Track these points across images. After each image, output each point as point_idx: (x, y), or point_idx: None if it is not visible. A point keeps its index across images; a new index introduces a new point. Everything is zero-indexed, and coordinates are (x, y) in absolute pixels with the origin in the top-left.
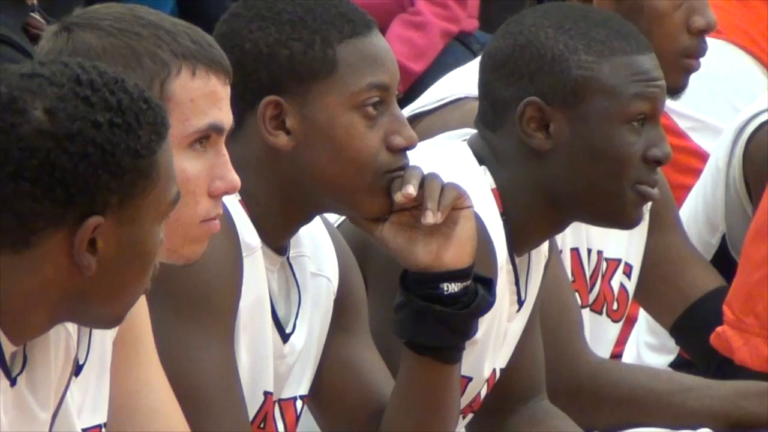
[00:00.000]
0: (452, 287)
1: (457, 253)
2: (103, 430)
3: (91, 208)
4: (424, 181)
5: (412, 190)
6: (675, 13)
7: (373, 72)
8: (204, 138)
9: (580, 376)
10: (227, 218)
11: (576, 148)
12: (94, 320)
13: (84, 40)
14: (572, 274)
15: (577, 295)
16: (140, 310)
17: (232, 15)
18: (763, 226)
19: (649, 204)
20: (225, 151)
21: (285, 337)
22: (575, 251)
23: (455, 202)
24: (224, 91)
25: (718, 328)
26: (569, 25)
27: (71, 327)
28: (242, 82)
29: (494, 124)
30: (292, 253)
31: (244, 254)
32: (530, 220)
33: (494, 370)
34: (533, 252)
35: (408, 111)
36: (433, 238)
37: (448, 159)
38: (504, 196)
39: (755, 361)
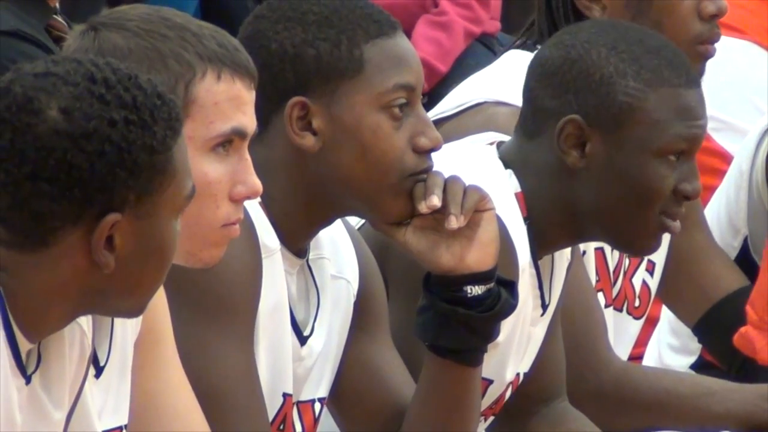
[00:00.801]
0: (476, 290)
1: (480, 256)
2: (125, 431)
3: (108, 206)
4: (447, 185)
5: (436, 201)
6: (685, 1)
7: (399, 72)
8: (227, 142)
9: (604, 380)
10: (247, 220)
11: (608, 173)
12: (115, 311)
13: (110, 40)
14: (597, 273)
15: (601, 294)
16: (161, 311)
17: (257, 17)
18: None
19: None
20: (248, 156)
21: (303, 340)
22: (600, 251)
23: (478, 204)
24: (249, 96)
25: (741, 329)
26: (623, 47)
27: (86, 325)
28: (268, 82)
29: (532, 132)
30: (311, 255)
31: (263, 256)
32: (552, 227)
33: (518, 374)
34: (556, 255)
35: (429, 116)
36: (456, 240)
37: (471, 162)
38: (528, 201)
39: None
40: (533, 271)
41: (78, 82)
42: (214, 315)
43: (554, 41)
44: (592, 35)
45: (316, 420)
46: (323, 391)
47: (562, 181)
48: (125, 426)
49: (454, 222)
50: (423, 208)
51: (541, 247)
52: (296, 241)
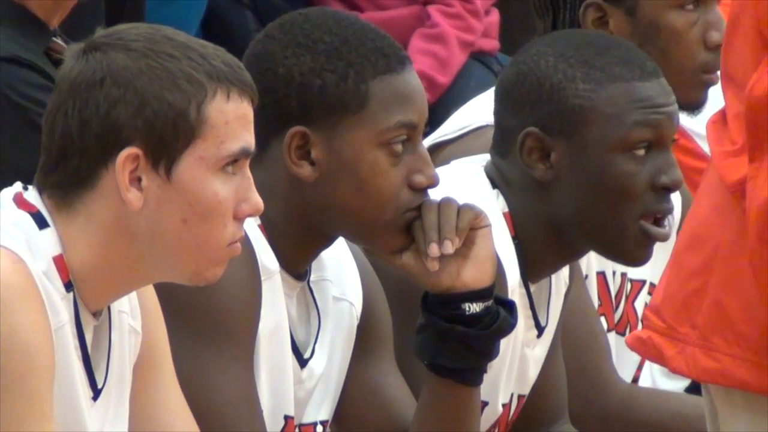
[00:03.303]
0: (474, 307)
1: (477, 273)
2: None
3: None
4: (440, 208)
5: (437, 251)
6: (691, 30)
7: (403, 110)
8: (234, 161)
9: (608, 403)
10: (246, 242)
11: (576, 179)
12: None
13: (119, 61)
14: (599, 298)
15: (603, 319)
16: (160, 334)
17: (267, 36)
18: (701, 233)
19: (677, 221)
20: (249, 174)
21: (303, 363)
22: (601, 275)
23: (472, 222)
24: (251, 114)
25: (641, 333)
26: (571, 53)
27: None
28: (270, 106)
29: (503, 152)
30: (313, 277)
31: (262, 278)
32: (541, 245)
33: (513, 395)
34: (553, 279)
35: (430, 140)
36: (453, 259)
37: (461, 181)
38: (515, 220)
39: (693, 371)
40: (523, 291)
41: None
42: (214, 337)
43: (510, 61)
44: (542, 47)
45: None
46: (325, 414)
47: (539, 196)
48: None
49: (449, 247)
50: (429, 263)
51: (532, 267)
52: (295, 264)
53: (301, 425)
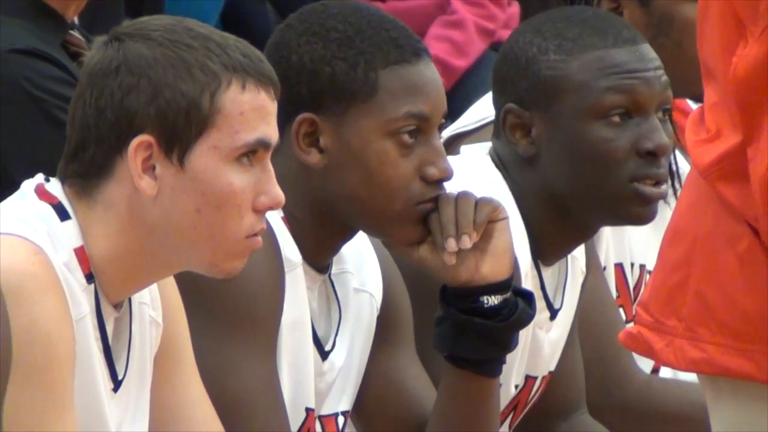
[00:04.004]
0: (492, 300)
1: (495, 266)
2: None
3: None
4: (457, 202)
5: (454, 246)
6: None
7: (413, 101)
8: (251, 152)
9: (628, 394)
10: (269, 233)
11: (557, 150)
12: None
13: (135, 50)
14: (617, 289)
15: (622, 310)
16: (181, 325)
17: (286, 26)
18: (681, 227)
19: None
20: (270, 167)
21: (324, 355)
22: (619, 266)
23: (490, 215)
24: (272, 107)
25: (632, 329)
26: (547, 27)
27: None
28: (284, 94)
29: (497, 133)
30: (334, 269)
31: (285, 270)
32: (546, 223)
33: (527, 376)
34: (570, 265)
35: (449, 131)
36: (470, 252)
37: (469, 167)
38: (518, 201)
39: (681, 363)
40: (535, 273)
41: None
42: (237, 328)
43: None
44: (523, 26)
45: None
46: (346, 405)
47: (529, 173)
48: None
49: (467, 242)
50: (446, 257)
51: (542, 248)
52: (317, 257)
53: (321, 416)
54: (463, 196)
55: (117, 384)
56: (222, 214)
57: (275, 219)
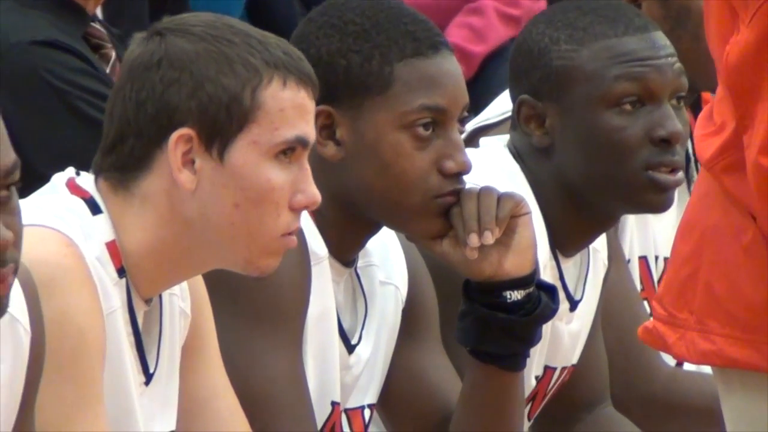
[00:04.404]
0: (515, 295)
1: (517, 261)
2: None
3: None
4: (480, 198)
5: (476, 241)
6: None
7: (428, 94)
8: (290, 150)
9: (653, 387)
10: None
11: (570, 140)
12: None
13: (177, 44)
14: (641, 282)
15: (646, 303)
16: (207, 316)
17: (308, 19)
18: (691, 221)
19: None
20: (307, 166)
21: (350, 348)
22: (643, 259)
23: (513, 210)
24: (311, 106)
25: (648, 324)
26: (558, 18)
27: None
28: None
29: (514, 125)
30: (360, 263)
31: (311, 263)
32: (563, 214)
33: (546, 367)
34: (591, 256)
35: (472, 124)
36: (493, 248)
37: (486, 160)
38: (536, 192)
39: (692, 356)
40: (554, 264)
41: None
42: (263, 320)
43: None
44: (536, 17)
45: (366, 426)
46: (371, 398)
47: (545, 163)
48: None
49: (489, 237)
50: (468, 252)
51: (560, 238)
52: (343, 251)
53: (347, 410)
54: (485, 191)
55: (149, 377)
56: (259, 210)
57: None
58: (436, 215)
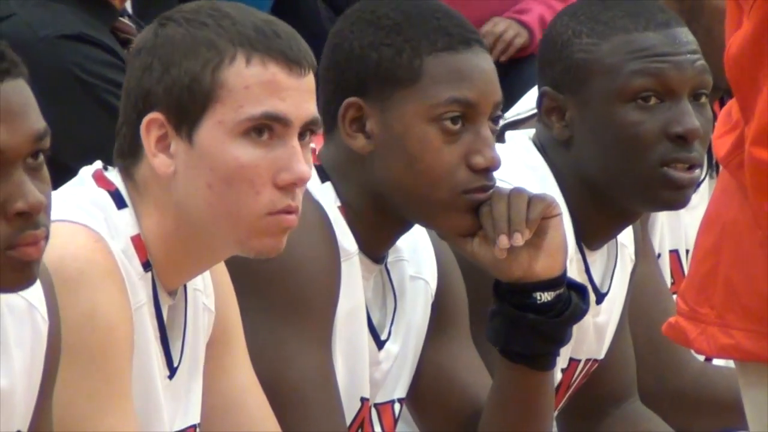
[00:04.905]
0: (545, 296)
1: (548, 263)
2: (198, 431)
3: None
4: (510, 201)
5: (506, 243)
6: None
7: (457, 87)
8: (264, 127)
9: (682, 382)
10: (326, 223)
11: (588, 133)
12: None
13: (164, 33)
14: (672, 276)
15: (676, 297)
16: (233, 312)
17: (344, 15)
18: (712, 216)
19: None
20: (296, 144)
21: (380, 344)
22: (674, 253)
23: (543, 212)
24: (291, 83)
25: (671, 319)
26: (582, 11)
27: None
28: (334, 81)
29: (539, 117)
30: (390, 258)
31: (342, 259)
32: (586, 208)
33: (571, 359)
34: (619, 250)
35: (504, 119)
36: (523, 249)
37: (510, 153)
38: (560, 186)
39: (713, 350)
40: (580, 257)
41: None
42: (293, 314)
43: None
44: (563, 10)
45: (396, 420)
46: (401, 392)
47: (566, 156)
48: (197, 425)
49: (519, 239)
50: (497, 252)
51: (586, 232)
52: (373, 247)
53: (377, 404)
54: (516, 192)
55: (172, 371)
56: (233, 189)
57: (332, 208)
58: (465, 211)
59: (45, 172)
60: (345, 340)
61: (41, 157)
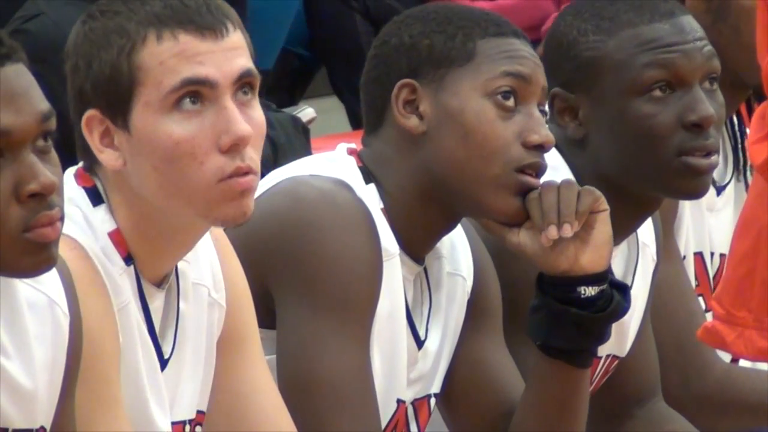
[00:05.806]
0: (589, 291)
1: (594, 257)
2: (199, 428)
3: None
4: (560, 192)
5: (555, 233)
6: None
7: (510, 63)
8: (190, 95)
9: (707, 383)
10: (370, 223)
11: (604, 130)
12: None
13: (83, 31)
14: (696, 278)
15: (701, 299)
16: (246, 310)
17: (389, 23)
18: (748, 219)
19: None
20: (230, 105)
21: (420, 344)
22: (699, 255)
23: (592, 206)
24: (207, 46)
25: (707, 323)
26: (586, 9)
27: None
28: (383, 75)
29: (551, 118)
30: (427, 255)
31: (383, 259)
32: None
33: (597, 357)
34: (641, 250)
35: None
36: (570, 242)
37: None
38: (580, 182)
39: (751, 353)
40: None
41: None
42: (334, 311)
43: None
44: (565, 9)
45: (430, 414)
46: (437, 387)
47: (581, 153)
48: (189, 421)
49: (568, 230)
50: (544, 241)
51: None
52: (415, 247)
53: (414, 400)
54: (566, 184)
55: (163, 362)
56: (177, 166)
57: (375, 210)
58: (514, 193)
59: (54, 155)
60: (384, 341)
61: (49, 140)
